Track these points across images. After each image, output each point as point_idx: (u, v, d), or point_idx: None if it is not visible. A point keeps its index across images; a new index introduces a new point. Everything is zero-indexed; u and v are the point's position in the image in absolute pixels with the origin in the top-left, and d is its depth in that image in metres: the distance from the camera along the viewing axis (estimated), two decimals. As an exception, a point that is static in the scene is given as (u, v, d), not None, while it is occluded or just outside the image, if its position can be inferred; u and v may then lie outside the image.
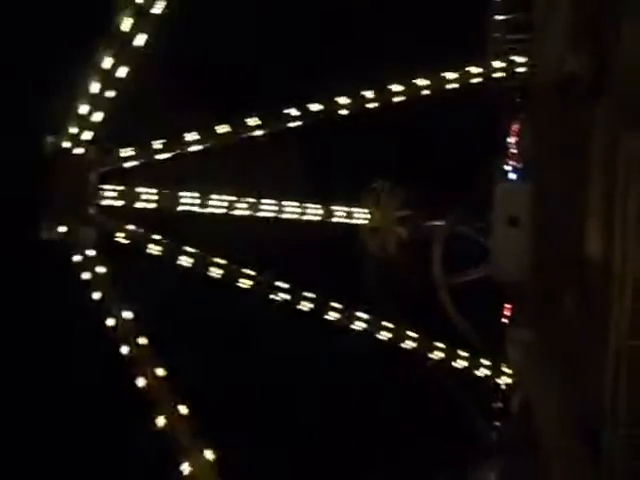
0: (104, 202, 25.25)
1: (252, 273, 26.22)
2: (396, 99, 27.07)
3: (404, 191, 31.14)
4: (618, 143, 12.74)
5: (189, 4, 23.69)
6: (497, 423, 30.11)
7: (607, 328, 13.01)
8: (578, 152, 16.79)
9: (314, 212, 29.68)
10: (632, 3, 12.70)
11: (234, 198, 27.78)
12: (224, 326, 29.89)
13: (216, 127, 25.77)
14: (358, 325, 27.16)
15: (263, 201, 28.11)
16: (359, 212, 31.11)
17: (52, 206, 23.97)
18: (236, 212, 27.98)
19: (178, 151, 25.14)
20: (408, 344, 28.43)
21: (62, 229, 23.87)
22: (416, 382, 28.85)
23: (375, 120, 27.91)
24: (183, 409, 21.95)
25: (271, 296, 26.47)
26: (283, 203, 28.66)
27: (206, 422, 21.93)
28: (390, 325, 28.00)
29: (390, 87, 26.83)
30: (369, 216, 31.33)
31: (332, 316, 26.96)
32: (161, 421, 21.72)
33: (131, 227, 24.78)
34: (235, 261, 26.16)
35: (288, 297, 26.65)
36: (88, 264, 23.26)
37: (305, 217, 29.28)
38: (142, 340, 23.02)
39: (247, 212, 27.99)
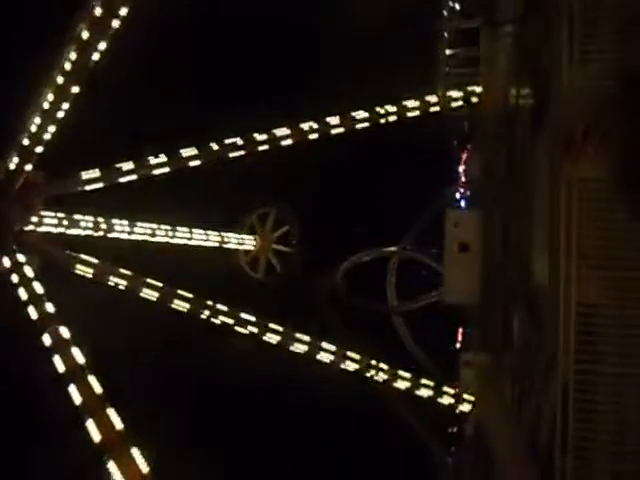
0: (48, 229, 24.86)
1: (188, 295, 26.12)
2: (360, 126, 27.78)
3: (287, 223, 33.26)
4: (558, 172, 13.31)
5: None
6: (452, 448, 30.41)
7: (555, 352, 13.38)
8: (523, 182, 17.44)
9: (212, 239, 32.19)
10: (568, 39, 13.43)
11: (155, 225, 28.71)
12: (163, 348, 29.58)
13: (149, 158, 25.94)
14: (324, 357, 27.15)
15: (178, 228, 29.34)
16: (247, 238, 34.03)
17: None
18: (156, 239, 29.10)
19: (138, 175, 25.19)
20: (371, 373, 28.37)
21: (6, 261, 23.22)
22: (372, 407, 28.90)
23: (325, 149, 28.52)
24: (118, 423, 20.92)
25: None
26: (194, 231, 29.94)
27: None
28: (355, 356, 27.92)
29: (354, 114, 27.49)
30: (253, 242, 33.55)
31: (298, 348, 26.95)
32: (96, 435, 20.64)
33: (86, 257, 24.43)
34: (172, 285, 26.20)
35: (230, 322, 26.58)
36: (32, 296, 22.51)
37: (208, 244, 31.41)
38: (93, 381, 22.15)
39: (165, 239, 29.20)
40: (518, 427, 16.35)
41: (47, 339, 22.22)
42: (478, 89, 28.74)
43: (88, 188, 24.89)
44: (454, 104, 28.88)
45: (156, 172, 25.90)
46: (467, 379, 26.95)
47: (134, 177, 25.40)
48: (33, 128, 23.21)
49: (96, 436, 20.13)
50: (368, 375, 27.81)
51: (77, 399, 21.09)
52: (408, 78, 29.29)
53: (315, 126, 27.00)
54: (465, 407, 28.41)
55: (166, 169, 25.96)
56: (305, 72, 31.35)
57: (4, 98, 23.82)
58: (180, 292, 25.49)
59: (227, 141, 26.53)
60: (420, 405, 29.06)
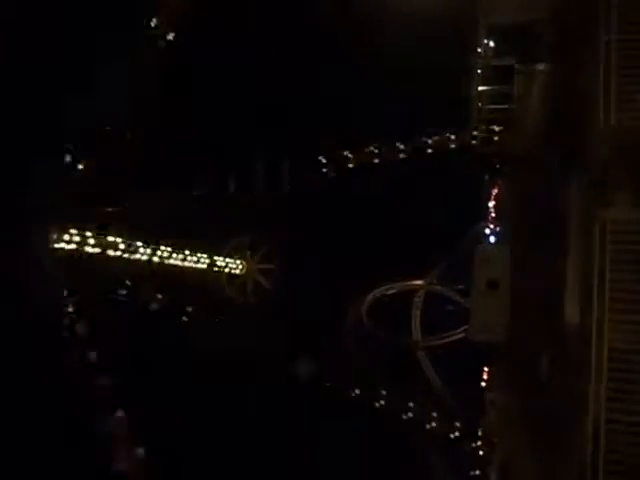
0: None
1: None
2: (400, 155, 28.17)
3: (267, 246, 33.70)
4: (592, 217, 13.15)
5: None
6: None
7: (585, 397, 13.03)
8: (556, 221, 17.23)
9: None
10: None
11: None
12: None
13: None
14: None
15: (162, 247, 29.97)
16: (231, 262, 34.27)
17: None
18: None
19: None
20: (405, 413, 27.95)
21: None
22: (394, 445, 28.27)
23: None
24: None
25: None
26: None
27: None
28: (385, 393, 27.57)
29: (397, 145, 27.91)
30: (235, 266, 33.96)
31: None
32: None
33: None
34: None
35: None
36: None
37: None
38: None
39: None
40: (544, 471, 15.85)
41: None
42: (511, 126, 28.74)
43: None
44: (486, 140, 28.92)
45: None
46: (492, 419, 26.30)
47: None
48: None
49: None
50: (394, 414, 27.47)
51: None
52: (442, 113, 29.45)
53: (350, 155, 27.39)
54: (489, 449, 27.65)
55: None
56: (337, 107, 31.71)
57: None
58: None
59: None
60: (442, 445, 28.38)
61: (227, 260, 34.97)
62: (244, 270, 34.79)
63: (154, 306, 28.74)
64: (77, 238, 26.27)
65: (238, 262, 35.23)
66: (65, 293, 25.38)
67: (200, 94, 30.66)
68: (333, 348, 28.82)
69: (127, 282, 28.14)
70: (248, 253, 35.05)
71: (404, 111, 30.66)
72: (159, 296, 28.29)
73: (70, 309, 24.44)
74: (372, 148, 27.79)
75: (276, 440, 28.51)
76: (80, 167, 25.07)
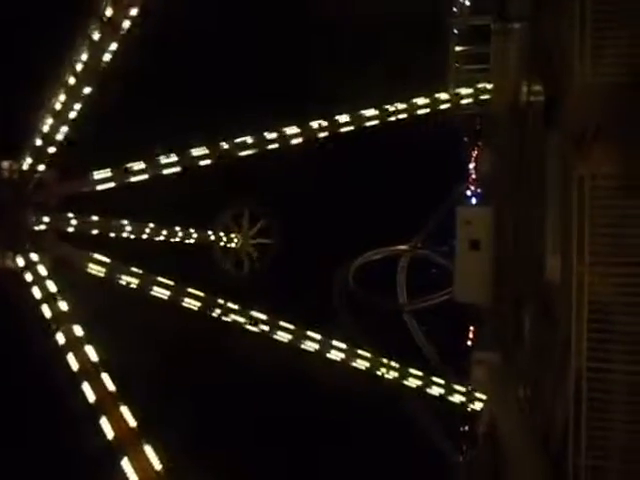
0: (64, 228, 25.00)
1: (199, 294, 26.12)
2: (369, 123, 27.66)
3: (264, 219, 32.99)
4: (570, 170, 13.23)
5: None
6: (464, 447, 30.30)
7: (567, 350, 13.30)
8: (534, 179, 17.33)
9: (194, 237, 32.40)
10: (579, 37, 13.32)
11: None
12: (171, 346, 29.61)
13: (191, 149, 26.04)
14: (335, 355, 27.05)
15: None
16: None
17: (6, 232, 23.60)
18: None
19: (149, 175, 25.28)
20: (382, 371, 28.28)
21: (20, 260, 23.40)
22: (384, 406, 28.80)
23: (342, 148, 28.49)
24: (132, 421, 21.16)
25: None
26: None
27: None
28: (366, 354, 27.86)
29: (363, 112, 27.40)
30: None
31: (310, 346, 26.84)
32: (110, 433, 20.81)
33: (99, 257, 24.57)
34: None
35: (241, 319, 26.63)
36: (46, 294, 22.70)
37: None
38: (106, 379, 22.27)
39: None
40: (530, 426, 16.27)
41: (61, 337, 22.43)
42: (488, 86, 28.60)
43: (100, 188, 25.07)
44: (464, 101, 28.74)
45: (166, 171, 26.10)
46: (478, 378, 26.84)
47: (145, 177, 25.56)
48: (45, 129, 23.40)
49: (110, 433, 20.32)
50: (379, 373, 27.75)
51: (91, 396, 21.27)
52: (418, 75, 29.19)
53: (324, 124, 27.02)
54: (476, 406, 28.31)
55: (177, 168, 26.09)
56: (313, 70, 31.26)
57: (17, 99, 23.99)
58: (191, 290, 25.63)
59: (237, 140, 26.57)
60: (431, 404, 28.97)
61: (221, 233, 34.54)
62: (239, 244, 34.39)
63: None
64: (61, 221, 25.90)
65: (233, 235, 34.85)
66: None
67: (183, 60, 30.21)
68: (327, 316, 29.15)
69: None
70: (245, 225, 34.56)
71: (383, 74, 30.45)
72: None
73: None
74: (355, 113, 27.42)
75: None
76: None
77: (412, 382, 27.80)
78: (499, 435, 22.67)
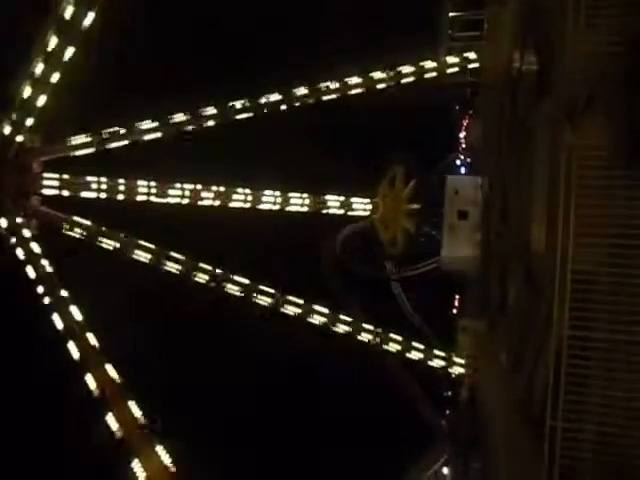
0: (47, 192, 24.44)
1: (208, 268, 25.85)
2: (354, 91, 27.27)
3: (416, 181, 28.58)
4: (559, 139, 13.24)
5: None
6: (447, 411, 30.98)
7: (550, 319, 13.55)
8: (524, 149, 17.35)
9: (300, 202, 27.78)
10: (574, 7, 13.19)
11: (199, 187, 26.26)
12: (180, 321, 29.51)
13: (172, 115, 25.25)
14: (316, 319, 27.23)
15: (239, 190, 26.60)
16: (358, 202, 28.67)
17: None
18: (204, 202, 26.67)
19: (129, 140, 24.60)
20: (364, 336, 28.61)
21: (3, 222, 23.11)
22: (365, 369, 29.23)
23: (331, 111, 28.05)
24: (137, 412, 21.34)
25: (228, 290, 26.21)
26: (265, 192, 27.06)
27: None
28: (347, 318, 28.10)
29: (348, 80, 27.02)
30: (372, 207, 28.68)
31: (290, 310, 26.92)
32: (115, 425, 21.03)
33: (80, 220, 24.16)
34: (191, 255, 25.76)
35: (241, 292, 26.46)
36: (30, 256, 22.56)
37: (291, 207, 27.68)
38: (91, 338, 22.36)
39: (216, 202, 26.57)
40: (512, 391, 16.66)
41: (46, 299, 22.46)
42: (480, 54, 28.34)
43: (82, 152, 24.55)
44: (453, 69, 28.47)
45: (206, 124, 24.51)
46: (464, 345, 27.34)
47: (157, 135, 24.37)
48: (27, 91, 22.82)
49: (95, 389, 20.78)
50: (359, 338, 28.09)
51: (75, 354, 21.53)
52: (410, 42, 28.81)
53: (306, 92, 26.60)
54: (458, 371, 28.85)
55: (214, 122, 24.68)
56: (299, 34, 30.68)
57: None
58: (201, 265, 24.82)
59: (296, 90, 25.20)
60: (415, 370, 29.47)
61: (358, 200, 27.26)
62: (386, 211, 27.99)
63: None
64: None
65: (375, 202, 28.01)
66: None
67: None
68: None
69: None
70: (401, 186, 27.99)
71: (375, 40, 29.99)
72: None
73: None
74: (341, 79, 27.05)
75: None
76: None
77: (392, 347, 28.25)
78: (481, 399, 23.17)
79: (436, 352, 28.67)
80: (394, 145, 30.73)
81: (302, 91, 26.99)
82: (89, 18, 22.32)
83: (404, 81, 28.00)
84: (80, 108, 24.97)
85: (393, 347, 28.65)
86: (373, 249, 31.87)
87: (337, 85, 27.15)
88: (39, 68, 22.84)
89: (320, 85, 26.37)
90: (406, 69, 27.98)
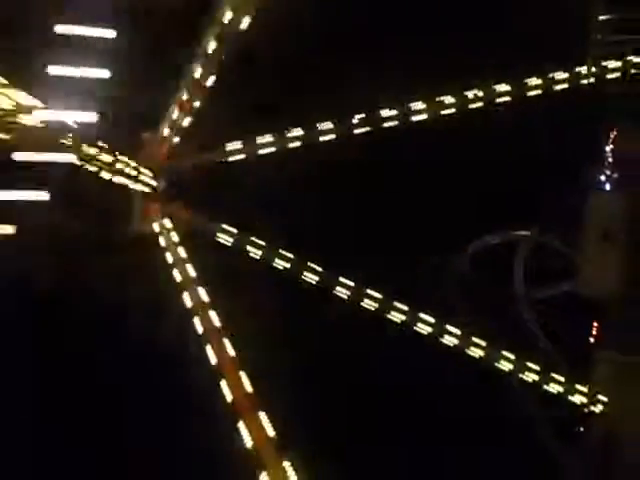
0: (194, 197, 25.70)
1: (317, 268, 25.68)
2: (502, 99, 26.29)
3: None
4: None
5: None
6: (577, 448, 28.52)
7: None
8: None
9: None
10: None
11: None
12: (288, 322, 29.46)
13: (289, 131, 25.63)
14: (449, 340, 26.24)
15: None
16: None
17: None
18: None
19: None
20: (503, 364, 26.94)
21: (155, 226, 24.64)
22: (494, 397, 27.64)
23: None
24: (268, 425, 21.27)
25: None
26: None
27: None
28: (482, 342, 26.67)
29: (496, 87, 26.12)
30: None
31: (424, 329, 26.22)
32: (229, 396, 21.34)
33: (229, 228, 24.98)
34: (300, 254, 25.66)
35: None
36: (174, 254, 23.89)
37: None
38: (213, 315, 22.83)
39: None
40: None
41: (188, 301, 23.47)
42: (636, 58, 25.94)
43: (233, 158, 25.45)
44: (608, 76, 26.28)
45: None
46: (601, 378, 25.01)
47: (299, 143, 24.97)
48: (184, 96, 24.12)
49: (229, 396, 21.19)
50: (494, 363, 26.67)
51: (212, 360, 22.23)
52: (555, 47, 27.06)
53: (452, 100, 25.77)
54: (596, 408, 26.38)
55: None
56: (440, 42, 29.74)
57: (153, 71, 24.70)
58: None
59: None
60: (543, 401, 27.44)
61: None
62: None
63: None
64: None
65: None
66: None
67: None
68: (436, 299, 28.17)
69: None
70: None
71: (517, 45, 28.46)
72: None
73: None
74: (475, 91, 26.06)
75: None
76: None
77: (529, 376, 26.33)
78: (621, 437, 21.05)
79: (577, 386, 26.35)
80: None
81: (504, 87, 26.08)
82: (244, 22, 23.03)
83: (557, 88, 26.46)
84: (233, 112, 25.79)
85: (529, 377, 26.77)
86: (503, 267, 30.21)
87: (482, 93, 26.34)
88: (197, 72, 23.93)
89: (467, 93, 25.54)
90: (558, 75, 26.45)
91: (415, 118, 26.01)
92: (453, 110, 25.79)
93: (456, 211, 30.53)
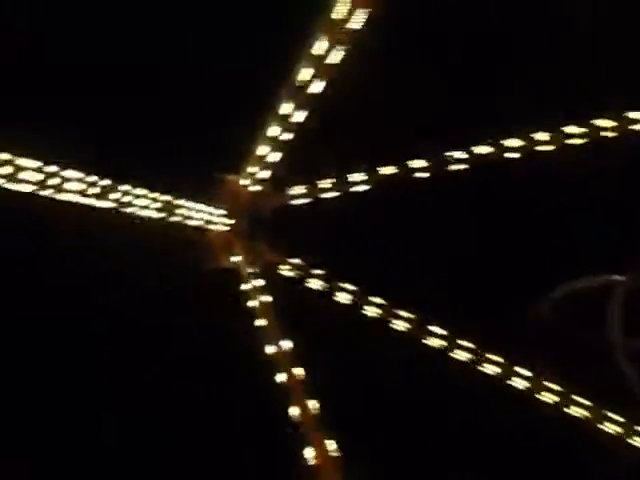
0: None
1: (411, 316, 24.89)
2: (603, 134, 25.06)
3: None
4: None
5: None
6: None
7: None
8: None
9: None
10: None
11: None
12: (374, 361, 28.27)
13: (381, 168, 25.38)
14: (548, 397, 24.81)
15: None
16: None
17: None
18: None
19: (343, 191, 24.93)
20: (577, 411, 25.41)
21: (235, 259, 24.39)
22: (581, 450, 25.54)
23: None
24: (332, 445, 20.83)
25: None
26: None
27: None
28: (558, 388, 25.34)
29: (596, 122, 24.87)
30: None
31: (519, 384, 24.94)
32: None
33: (294, 260, 24.93)
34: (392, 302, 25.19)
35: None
36: (254, 293, 23.49)
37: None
38: (298, 371, 22.35)
39: None
40: None
41: (270, 350, 22.75)
42: None
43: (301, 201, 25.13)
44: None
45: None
46: None
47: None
48: (271, 133, 23.92)
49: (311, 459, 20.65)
50: (569, 411, 24.86)
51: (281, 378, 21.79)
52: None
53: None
54: None
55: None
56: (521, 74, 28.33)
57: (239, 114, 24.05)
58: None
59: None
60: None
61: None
62: None
63: None
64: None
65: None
66: None
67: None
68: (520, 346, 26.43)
69: None
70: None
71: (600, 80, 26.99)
72: None
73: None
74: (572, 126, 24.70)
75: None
76: None
77: (637, 441, 24.13)
78: None
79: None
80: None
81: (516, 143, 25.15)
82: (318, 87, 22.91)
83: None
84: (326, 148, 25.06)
85: (612, 429, 24.94)
86: (594, 313, 28.16)
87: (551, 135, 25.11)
88: (274, 129, 23.61)
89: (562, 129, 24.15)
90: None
91: (509, 155, 24.79)
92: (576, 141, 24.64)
93: (540, 253, 28.83)
